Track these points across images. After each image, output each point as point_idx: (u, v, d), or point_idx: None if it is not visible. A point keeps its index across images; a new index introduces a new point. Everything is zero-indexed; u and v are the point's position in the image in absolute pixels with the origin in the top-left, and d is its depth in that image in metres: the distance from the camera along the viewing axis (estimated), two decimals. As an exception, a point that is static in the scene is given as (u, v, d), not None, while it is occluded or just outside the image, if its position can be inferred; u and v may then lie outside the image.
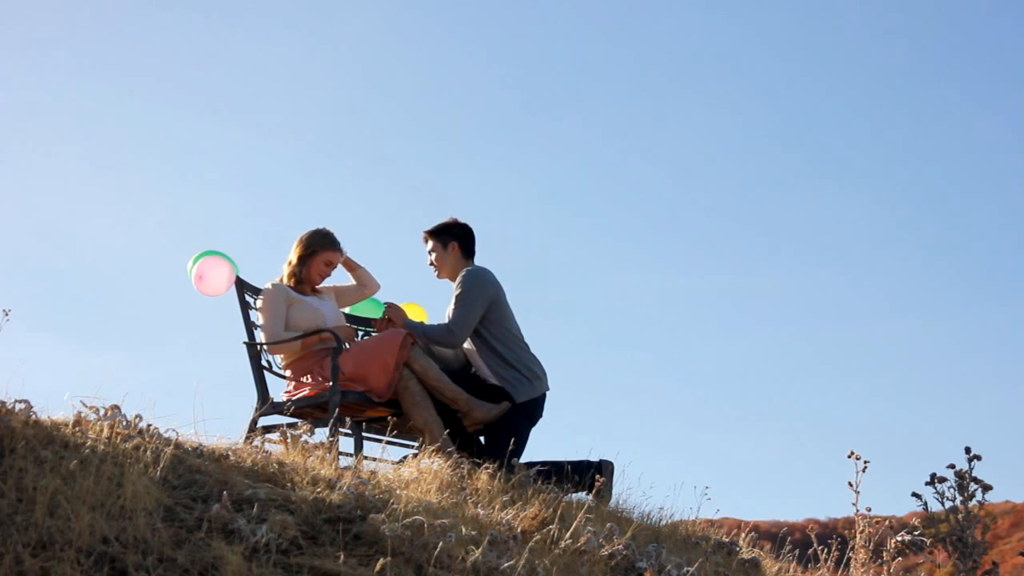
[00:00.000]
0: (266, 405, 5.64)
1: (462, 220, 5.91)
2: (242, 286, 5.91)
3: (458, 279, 5.74)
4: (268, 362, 5.84)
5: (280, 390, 5.75)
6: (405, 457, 5.30)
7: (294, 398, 5.59)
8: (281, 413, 5.61)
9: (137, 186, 43.41)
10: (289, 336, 5.64)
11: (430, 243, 5.89)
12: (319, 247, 5.86)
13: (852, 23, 51.64)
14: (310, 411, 5.53)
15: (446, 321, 5.68)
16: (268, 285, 5.78)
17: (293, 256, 5.86)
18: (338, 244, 5.92)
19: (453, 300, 5.70)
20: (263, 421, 5.65)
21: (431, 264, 5.89)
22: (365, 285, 6.16)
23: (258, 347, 5.77)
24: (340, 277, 6.15)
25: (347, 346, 5.59)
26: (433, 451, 5.06)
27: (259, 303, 5.78)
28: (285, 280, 5.84)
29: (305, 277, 5.84)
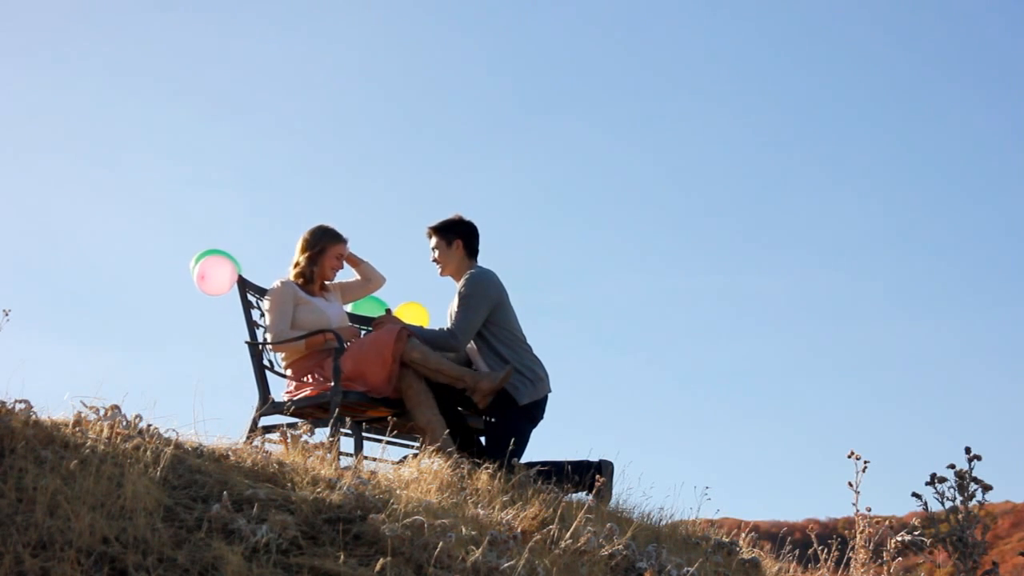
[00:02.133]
0: (267, 405, 5.64)
1: (467, 218, 5.89)
2: (244, 285, 5.90)
3: (462, 282, 5.72)
4: (270, 362, 5.84)
5: (281, 390, 5.75)
6: (405, 457, 5.30)
7: (295, 398, 5.58)
8: (282, 413, 5.60)
9: (137, 186, 43.41)
10: (294, 335, 5.64)
11: (434, 240, 5.86)
12: (327, 243, 5.86)
13: (852, 23, 51.64)
14: (311, 411, 5.53)
15: (449, 323, 5.67)
16: (277, 283, 5.78)
17: (301, 257, 5.85)
18: (343, 237, 5.92)
19: (457, 304, 5.69)
20: (264, 421, 5.65)
21: (434, 260, 5.87)
22: (369, 279, 6.15)
23: (260, 346, 5.77)
24: (344, 273, 6.14)
25: (347, 345, 5.59)
26: (434, 451, 5.05)
27: (267, 301, 5.77)
28: (292, 280, 5.83)
29: (317, 275, 5.84)
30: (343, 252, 5.91)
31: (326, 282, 5.95)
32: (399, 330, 5.43)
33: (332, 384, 5.38)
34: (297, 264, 5.85)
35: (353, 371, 5.40)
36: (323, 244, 5.85)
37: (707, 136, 52.13)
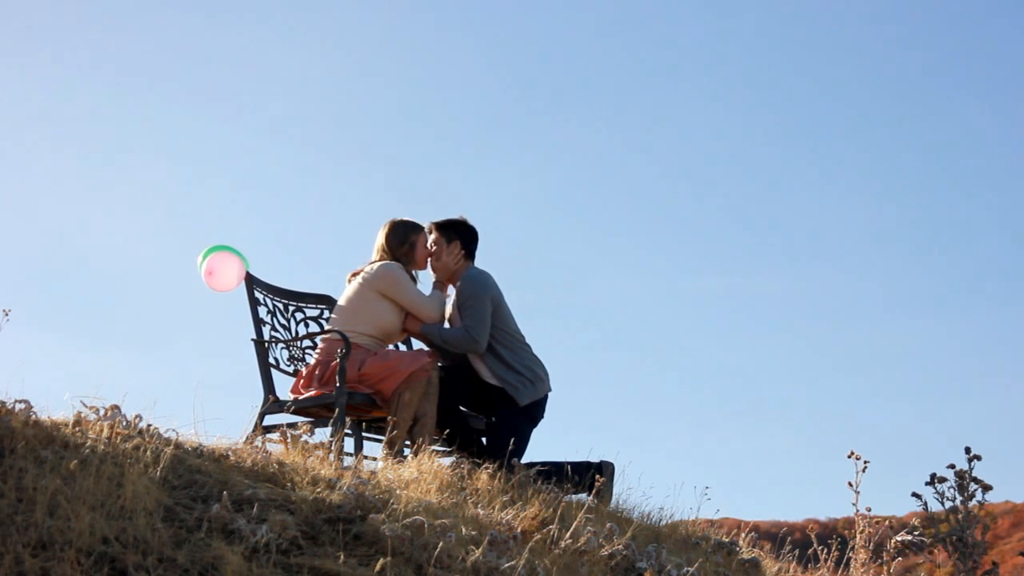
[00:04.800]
0: (272, 403, 5.62)
1: (471, 222, 5.92)
2: (252, 282, 5.89)
3: (459, 284, 5.74)
4: (275, 359, 5.83)
5: (286, 388, 5.73)
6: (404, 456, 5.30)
7: (300, 397, 5.56)
8: (287, 411, 5.59)
9: (137, 186, 43.43)
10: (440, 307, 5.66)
11: (434, 235, 5.88)
12: (413, 232, 5.81)
13: (852, 23, 51.65)
14: (316, 410, 5.52)
15: (461, 327, 5.64)
16: (380, 268, 5.68)
17: (398, 252, 5.76)
18: (421, 225, 5.89)
19: (463, 306, 5.67)
20: (270, 419, 5.64)
21: (430, 254, 5.87)
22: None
23: (266, 343, 5.77)
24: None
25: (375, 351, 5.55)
26: (392, 446, 5.09)
27: (390, 279, 5.65)
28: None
29: (414, 261, 5.80)
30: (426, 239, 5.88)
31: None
32: (431, 360, 5.46)
33: (338, 385, 5.35)
34: (389, 254, 5.77)
35: (374, 378, 5.38)
36: (412, 237, 5.80)
37: (708, 136, 52.19)
